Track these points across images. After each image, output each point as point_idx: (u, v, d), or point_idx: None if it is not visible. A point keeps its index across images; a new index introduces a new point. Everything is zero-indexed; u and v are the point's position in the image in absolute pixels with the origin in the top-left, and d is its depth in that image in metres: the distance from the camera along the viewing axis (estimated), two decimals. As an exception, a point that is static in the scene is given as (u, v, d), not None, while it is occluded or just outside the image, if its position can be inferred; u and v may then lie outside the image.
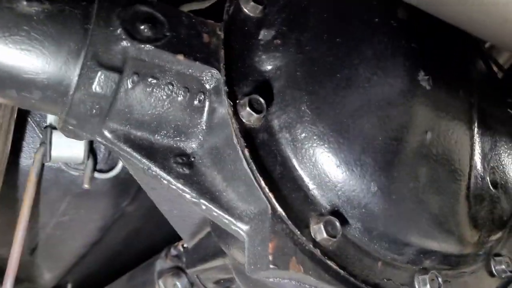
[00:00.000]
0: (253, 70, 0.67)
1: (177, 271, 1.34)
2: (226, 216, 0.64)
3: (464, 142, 0.69)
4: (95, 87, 0.60)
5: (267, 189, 0.61)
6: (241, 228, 0.64)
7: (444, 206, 0.67)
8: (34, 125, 1.19)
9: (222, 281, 1.20)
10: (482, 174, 0.72)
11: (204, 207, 0.65)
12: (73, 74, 0.61)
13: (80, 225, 1.47)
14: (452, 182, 0.68)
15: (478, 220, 0.72)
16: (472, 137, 0.70)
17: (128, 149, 0.65)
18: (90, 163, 1.20)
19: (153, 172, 0.65)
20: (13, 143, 1.13)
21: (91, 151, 1.21)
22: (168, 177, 0.65)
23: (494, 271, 0.76)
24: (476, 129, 0.71)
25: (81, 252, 1.70)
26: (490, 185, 0.74)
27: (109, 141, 0.65)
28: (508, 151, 0.77)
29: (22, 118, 1.17)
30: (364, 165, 0.63)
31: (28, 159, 1.20)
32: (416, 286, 0.67)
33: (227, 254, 0.85)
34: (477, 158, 0.71)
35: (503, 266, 0.76)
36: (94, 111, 0.62)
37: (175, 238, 1.54)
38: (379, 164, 0.63)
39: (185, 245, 1.34)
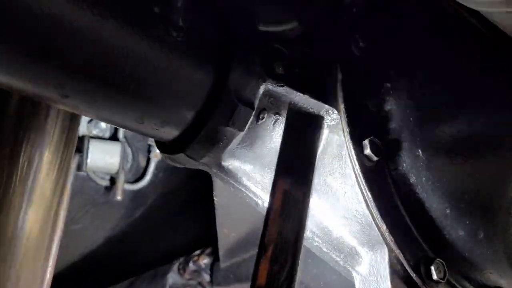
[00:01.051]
0: (365, 112, 0.69)
1: (194, 285, 1.33)
2: (336, 256, 0.66)
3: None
4: (232, 121, 0.60)
5: (388, 233, 0.63)
6: (353, 267, 0.66)
7: None
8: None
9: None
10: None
11: (316, 244, 0.66)
12: (209, 107, 0.61)
13: (89, 234, 1.42)
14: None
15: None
16: None
17: (243, 182, 0.66)
18: (123, 174, 1.16)
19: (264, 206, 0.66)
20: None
21: (123, 162, 1.18)
22: (283, 215, 0.65)
23: None
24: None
25: (75, 260, 1.65)
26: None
27: (224, 172, 0.65)
28: None
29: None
30: (474, 212, 0.67)
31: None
32: None
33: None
34: None
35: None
36: (221, 143, 0.62)
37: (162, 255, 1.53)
38: (488, 213, 0.68)
39: (205, 261, 1.33)
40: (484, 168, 0.69)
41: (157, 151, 0.78)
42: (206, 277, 1.30)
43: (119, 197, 1.16)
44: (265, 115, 0.64)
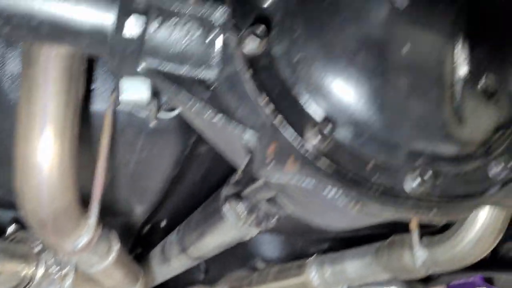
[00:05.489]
0: (255, 6, 0.79)
1: (239, 195, 1.53)
2: (238, 128, 0.79)
3: (446, 53, 0.77)
4: (127, 30, 0.76)
5: (266, 103, 0.75)
6: (250, 137, 0.78)
7: (427, 109, 0.76)
8: (106, 76, 1.39)
9: (272, 199, 1.36)
10: (471, 80, 0.80)
11: (221, 122, 0.80)
12: (110, 22, 0.77)
13: (156, 161, 1.69)
14: (434, 88, 0.76)
15: (467, 122, 0.80)
16: (455, 48, 0.77)
17: (160, 80, 0.81)
18: (154, 103, 1.38)
19: (181, 96, 0.81)
20: (90, 92, 1.35)
21: (155, 94, 1.40)
22: (192, 100, 0.80)
23: (489, 173, 0.84)
24: (460, 41, 0.78)
25: (163, 186, 1.94)
26: (481, 91, 0.81)
27: (144, 75, 0.82)
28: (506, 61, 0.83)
29: (97, 70, 1.38)
30: (350, 77, 0.74)
31: (105, 103, 1.41)
32: (407, 181, 0.78)
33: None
34: (463, 67, 0.79)
35: (499, 169, 0.84)
36: (128, 51, 0.78)
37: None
38: (362, 75, 0.74)
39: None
40: (355, 41, 0.75)
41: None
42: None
43: (152, 124, 1.37)
44: (161, 22, 0.78)
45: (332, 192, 0.76)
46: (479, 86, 0.81)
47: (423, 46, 0.76)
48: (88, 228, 1.25)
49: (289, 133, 0.74)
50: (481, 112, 0.81)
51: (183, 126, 1.55)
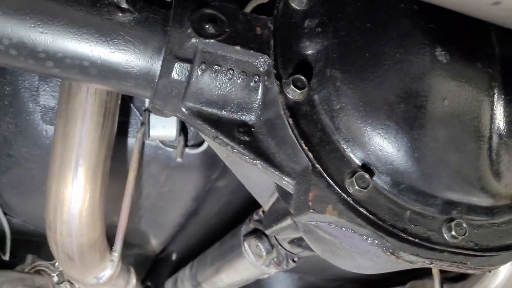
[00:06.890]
0: (298, 55, 0.82)
1: (259, 234, 1.53)
2: (277, 173, 0.80)
3: (483, 107, 0.78)
4: (173, 75, 0.79)
5: (307, 150, 0.76)
6: (289, 182, 0.80)
7: (464, 162, 0.77)
8: (135, 110, 1.42)
9: (295, 240, 1.37)
10: (508, 134, 0.81)
11: (260, 166, 0.81)
12: (157, 66, 0.80)
13: (177, 195, 1.71)
14: (471, 142, 0.77)
15: (503, 175, 0.81)
16: (492, 102, 0.79)
17: (200, 122, 0.83)
18: (181, 140, 1.41)
19: (220, 140, 0.82)
20: (119, 125, 1.37)
21: (183, 130, 1.42)
22: (232, 143, 0.81)
23: None
24: (496, 96, 0.80)
25: (180, 221, 1.95)
26: (516, 145, 0.82)
27: (185, 116, 0.84)
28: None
29: (126, 104, 1.41)
30: (389, 128, 0.75)
31: (132, 138, 1.43)
32: (443, 231, 0.78)
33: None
34: (500, 121, 0.80)
35: (535, 218, 0.84)
36: (173, 93, 0.81)
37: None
38: (401, 127, 0.75)
39: (263, 210, 1.52)
40: (396, 94, 0.77)
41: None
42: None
43: (179, 159, 1.39)
44: (206, 67, 0.80)
45: (369, 240, 0.77)
46: (515, 139, 0.82)
47: (462, 100, 0.77)
48: (112, 262, 1.25)
49: (329, 181, 0.75)
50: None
51: (207, 162, 1.57)
